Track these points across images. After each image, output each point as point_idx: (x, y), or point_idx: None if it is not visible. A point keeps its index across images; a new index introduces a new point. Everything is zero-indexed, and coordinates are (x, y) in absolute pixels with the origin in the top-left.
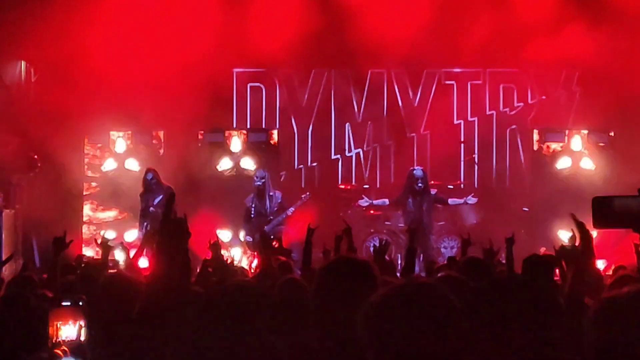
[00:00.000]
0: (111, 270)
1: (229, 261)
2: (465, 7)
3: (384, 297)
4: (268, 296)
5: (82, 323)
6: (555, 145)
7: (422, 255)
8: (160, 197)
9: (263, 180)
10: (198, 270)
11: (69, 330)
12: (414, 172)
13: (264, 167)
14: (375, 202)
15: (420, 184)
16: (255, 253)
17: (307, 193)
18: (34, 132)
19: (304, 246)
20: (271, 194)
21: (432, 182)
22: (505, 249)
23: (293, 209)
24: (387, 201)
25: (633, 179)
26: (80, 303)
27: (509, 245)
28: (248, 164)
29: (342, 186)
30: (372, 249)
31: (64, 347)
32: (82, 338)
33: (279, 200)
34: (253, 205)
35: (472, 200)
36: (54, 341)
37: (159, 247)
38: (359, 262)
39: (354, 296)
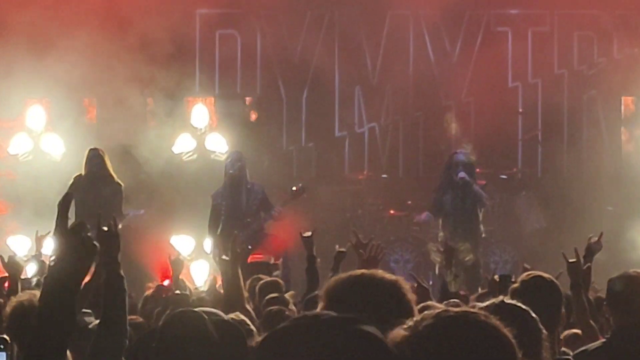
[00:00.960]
0: (20, 297)
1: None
2: None
3: (411, 335)
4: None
5: None
6: None
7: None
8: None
9: (239, 165)
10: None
11: None
12: (456, 156)
13: (239, 149)
14: (423, 217)
15: (461, 174)
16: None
17: (300, 184)
18: None
19: (307, 264)
20: (249, 186)
21: (478, 170)
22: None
23: (280, 208)
24: (428, 215)
25: None
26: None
27: (588, 257)
28: (217, 143)
29: (351, 175)
30: (392, 264)
31: None
32: None
33: (260, 195)
34: (224, 202)
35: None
36: None
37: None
38: (384, 281)
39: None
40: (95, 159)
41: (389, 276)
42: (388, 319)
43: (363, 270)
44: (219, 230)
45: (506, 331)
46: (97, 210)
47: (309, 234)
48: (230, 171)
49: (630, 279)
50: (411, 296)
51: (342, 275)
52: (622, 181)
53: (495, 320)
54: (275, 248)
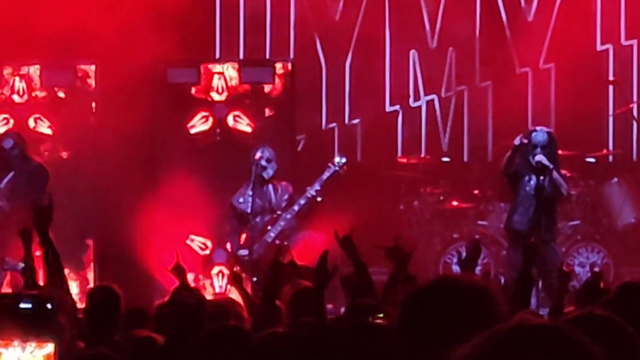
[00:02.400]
0: None
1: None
2: None
3: (478, 349)
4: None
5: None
6: None
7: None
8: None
9: (271, 163)
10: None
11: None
12: (534, 135)
13: (267, 126)
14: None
15: (539, 157)
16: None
17: (340, 158)
18: None
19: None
20: (277, 185)
21: (559, 151)
22: None
23: (318, 186)
24: None
25: None
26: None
27: None
28: (242, 121)
29: (404, 159)
30: (455, 267)
31: None
32: None
33: (289, 193)
34: (250, 200)
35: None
36: None
37: None
38: (474, 286)
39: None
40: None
41: (478, 281)
42: (477, 330)
43: (446, 275)
44: (242, 238)
45: (595, 348)
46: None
47: (345, 235)
48: (266, 167)
49: None
50: (503, 305)
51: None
52: None
53: (581, 335)
54: (312, 248)
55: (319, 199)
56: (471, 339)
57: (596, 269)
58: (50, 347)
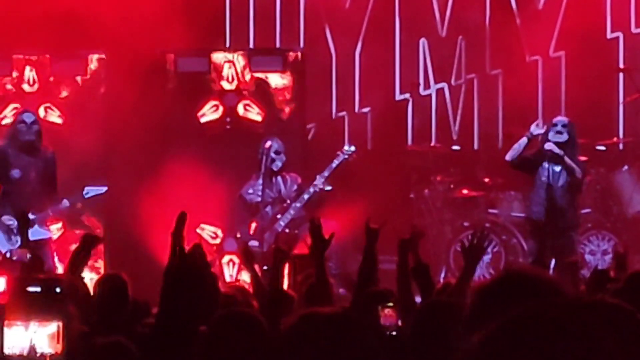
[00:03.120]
0: None
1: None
2: None
3: (492, 336)
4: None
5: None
6: None
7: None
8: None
9: (280, 155)
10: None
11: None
12: (555, 119)
13: (276, 115)
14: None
15: (549, 144)
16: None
17: (348, 146)
18: None
19: (363, 258)
20: (286, 176)
21: (585, 140)
22: None
23: (327, 173)
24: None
25: None
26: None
27: None
28: (252, 110)
29: (414, 148)
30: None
31: None
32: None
33: (298, 183)
34: (260, 190)
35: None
36: None
37: None
38: (544, 280)
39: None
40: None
41: (548, 275)
42: None
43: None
44: (252, 229)
45: (604, 335)
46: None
47: (376, 226)
48: (275, 160)
49: None
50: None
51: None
52: None
53: (592, 321)
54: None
55: (328, 187)
56: None
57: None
58: (53, 327)
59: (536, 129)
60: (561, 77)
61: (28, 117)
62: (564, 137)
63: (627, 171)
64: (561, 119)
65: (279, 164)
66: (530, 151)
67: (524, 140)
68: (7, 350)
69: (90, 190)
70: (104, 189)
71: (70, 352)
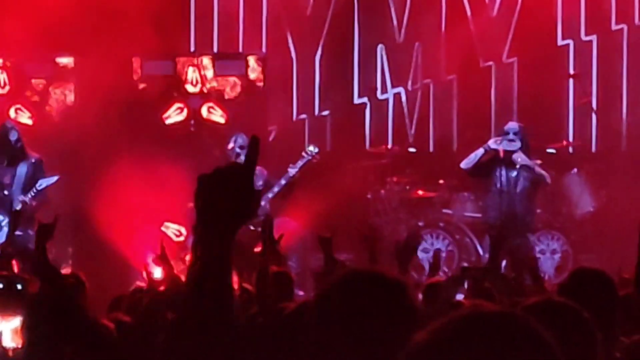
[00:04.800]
0: None
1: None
2: None
3: (435, 335)
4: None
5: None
6: None
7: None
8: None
9: (244, 149)
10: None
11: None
12: (506, 127)
13: (239, 116)
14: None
15: (520, 158)
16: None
17: (314, 147)
18: None
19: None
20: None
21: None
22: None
23: (293, 171)
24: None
25: None
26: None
27: None
28: (215, 112)
29: (372, 150)
30: (421, 253)
31: None
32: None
33: (264, 179)
34: None
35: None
36: None
37: None
38: (388, 280)
39: (379, 335)
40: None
41: (392, 275)
42: (390, 322)
43: (362, 268)
44: None
45: (547, 335)
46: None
47: (328, 236)
48: (238, 152)
49: None
50: (415, 299)
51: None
52: None
53: (534, 322)
54: (286, 234)
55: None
56: (384, 334)
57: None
58: (16, 321)
59: (494, 144)
60: (514, 82)
61: (13, 136)
62: (517, 145)
63: (576, 174)
64: (512, 126)
65: (243, 157)
66: (485, 157)
67: (480, 151)
68: None
69: (43, 182)
70: (56, 177)
71: (31, 345)
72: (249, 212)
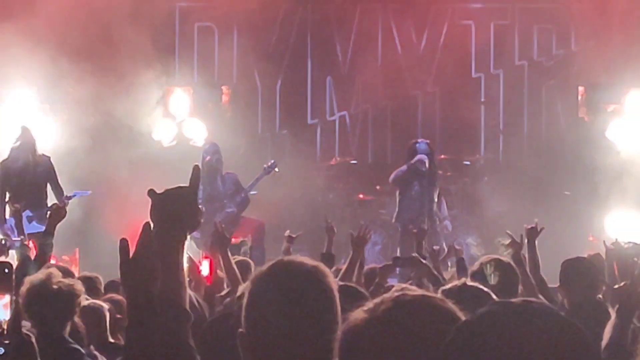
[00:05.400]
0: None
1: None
2: None
3: (369, 317)
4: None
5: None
6: (607, 107)
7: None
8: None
9: (217, 157)
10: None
11: None
12: (417, 145)
13: (216, 135)
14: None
15: (423, 167)
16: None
17: (273, 161)
18: None
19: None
20: (226, 176)
21: (442, 156)
22: (528, 245)
23: (255, 183)
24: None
25: None
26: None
27: (530, 240)
28: (195, 130)
29: (322, 162)
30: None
31: None
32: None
33: (235, 183)
34: (201, 188)
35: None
36: None
37: None
38: (303, 268)
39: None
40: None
41: (309, 262)
42: (309, 306)
43: (282, 259)
44: None
45: (461, 315)
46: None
47: (293, 235)
48: (207, 159)
49: (581, 262)
50: (333, 284)
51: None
52: (578, 167)
53: (450, 305)
54: (251, 230)
55: (254, 192)
56: (304, 314)
57: (457, 247)
58: (6, 298)
59: (421, 166)
60: (436, 107)
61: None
62: (426, 160)
63: (487, 181)
64: (423, 145)
65: (214, 160)
66: (407, 171)
67: (404, 167)
68: None
69: (77, 193)
70: (89, 192)
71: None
72: (194, 224)
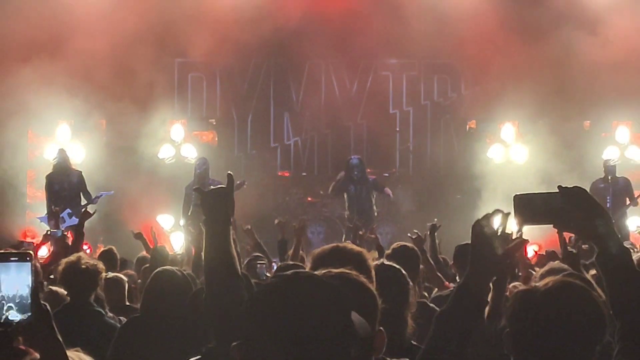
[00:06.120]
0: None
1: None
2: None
3: (266, 286)
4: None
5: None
6: (488, 136)
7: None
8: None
9: (204, 167)
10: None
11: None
12: (351, 161)
13: (205, 156)
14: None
15: (356, 173)
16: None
17: (243, 180)
18: None
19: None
20: (210, 181)
21: (369, 170)
22: (429, 236)
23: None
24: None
25: (556, 167)
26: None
27: (431, 232)
28: (189, 151)
29: (282, 174)
30: (310, 235)
31: None
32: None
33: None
34: (193, 192)
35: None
36: None
37: None
38: (353, 251)
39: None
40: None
41: (356, 248)
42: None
43: (337, 244)
44: (189, 211)
45: (370, 286)
46: (70, 193)
47: (248, 227)
48: (198, 171)
49: (467, 246)
50: (371, 262)
51: (326, 246)
52: (467, 178)
53: (362, 278)
54: None
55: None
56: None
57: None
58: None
59: (353, 172)
60: (364, 134)
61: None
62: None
63: (400, 188)
64: (354, 159)
65: (199, 171)
66: (342, 180)
67: (342, 173)
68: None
69: (103, 193)
70: (112, 192)
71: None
72: (231, 211)
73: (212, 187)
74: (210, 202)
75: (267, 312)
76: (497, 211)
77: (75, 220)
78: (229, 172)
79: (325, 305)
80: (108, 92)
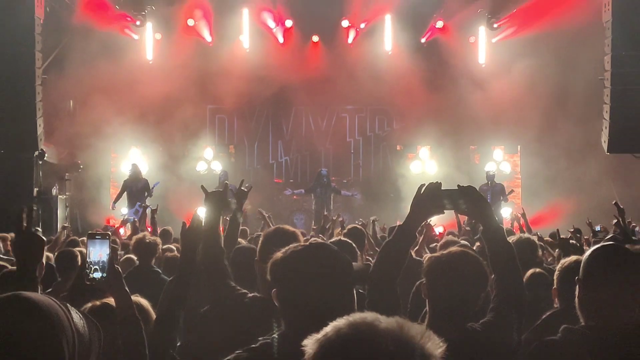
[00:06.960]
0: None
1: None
2: (355, 65)
3: (283, 256)
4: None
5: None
6: (410, 156)
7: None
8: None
9: (225, 176)
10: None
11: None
12: (321, 171)
13: (226, 170)
14: (295, 191)
15: (324, 179)
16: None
17: (250, 185)
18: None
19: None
20: (230, 186)
21: (333, 177)
22: (372, 224)
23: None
24: (303, 191)
25: (455, 176)
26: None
27: (372, 222)
28: (216, 166)
29: (276, 181)
30: (295, 220)
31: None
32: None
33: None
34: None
35: (358, 195)
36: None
37: None
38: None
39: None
40: (132, 169)
41: (291, 228)
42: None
43: (280, 226)
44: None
45: (340, 254)
46: (138, 194)
47: (259, 209)
48: (221, 179)
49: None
50: (301, 237)
51: (271, 227)
52: (396, 183)
53: (333, 248)
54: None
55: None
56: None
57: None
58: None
59: (322, 178)
60: (330, 155)
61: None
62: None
63: (354, 189)
64: (323, 171)
65: (224, 179)
66: (313, 184)
67: (314, 181)
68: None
69: (154, 185)
70: (158, 182)
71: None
72: (224, 208)
73: (230, 189)
74: (210, 197)
75: (299, 264)
76: (430, 184)
77: (139, 213)
78: (242, 179)
79: (333, 257)
80: (165, 127)
